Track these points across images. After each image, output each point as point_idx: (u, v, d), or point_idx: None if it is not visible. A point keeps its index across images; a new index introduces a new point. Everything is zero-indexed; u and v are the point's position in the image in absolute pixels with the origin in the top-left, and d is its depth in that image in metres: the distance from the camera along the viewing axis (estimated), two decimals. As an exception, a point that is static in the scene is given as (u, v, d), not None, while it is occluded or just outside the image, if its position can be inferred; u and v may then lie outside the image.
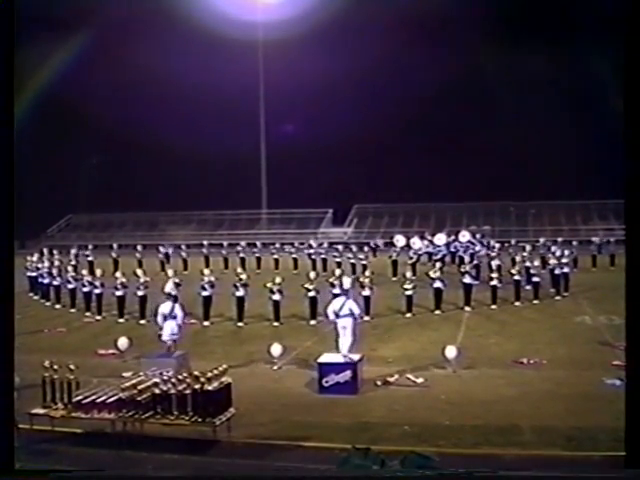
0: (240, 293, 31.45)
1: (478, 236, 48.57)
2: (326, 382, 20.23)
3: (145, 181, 65.67)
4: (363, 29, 57.98)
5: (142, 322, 31.42)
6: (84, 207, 71.85)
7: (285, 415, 18.52)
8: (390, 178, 63.20)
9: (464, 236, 47.54)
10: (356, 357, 21.03)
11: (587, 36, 55.63)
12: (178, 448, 15.93)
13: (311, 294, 31.28)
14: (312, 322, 30.61)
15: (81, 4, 54.62)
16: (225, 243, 52.09)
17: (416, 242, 46.67)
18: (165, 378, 17.25)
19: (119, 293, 32.80)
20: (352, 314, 22.03)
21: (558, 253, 39.13)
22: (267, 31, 63.95)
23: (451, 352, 22.57)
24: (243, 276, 32.62)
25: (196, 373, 17.23)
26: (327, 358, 21.06)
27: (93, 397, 17.31)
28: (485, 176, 60.23)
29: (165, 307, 23.83)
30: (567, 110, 59.25)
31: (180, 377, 17.30)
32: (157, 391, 16.95)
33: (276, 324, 30.73)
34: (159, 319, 23.83)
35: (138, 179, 65.96)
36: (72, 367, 17.55)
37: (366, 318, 30.13)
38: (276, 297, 31.11)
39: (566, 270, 36.93)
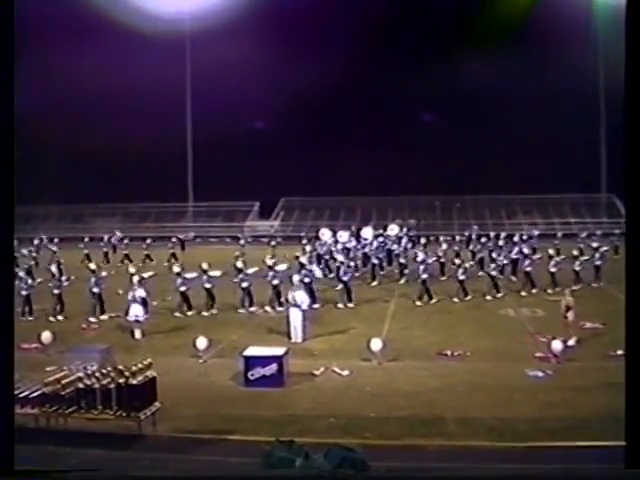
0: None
1: (405, 229, 48.81)
2: (252, 375, 20.19)
3: (69, 173, 64.51)
4: (289, 19, 57.77)
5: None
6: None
7: (210, 409, 18.47)
8: (317, 171, 62.96)
9: (392, 229, 47.75)
10: (281, 350, 21.07)
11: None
12: (102, 443, 15.77)
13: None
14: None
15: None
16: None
17: (343, 235, 46.76)
18: (89, 372, 17.08)
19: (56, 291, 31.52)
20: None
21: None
22: (194, 23, 63.62)
23: (376, 345, 22.72)
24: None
25: (120, 367, 17.10)
26: (253, 351, 21.00)
27: (15, 392, 17.03)
28: (410, 170, 60.45)
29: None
30: (493, 103, 59.50)
31: (104, 371, 17.15)
32: (81, 385, 16.77)
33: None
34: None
35: (62, 171, 64.74)
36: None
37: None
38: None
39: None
